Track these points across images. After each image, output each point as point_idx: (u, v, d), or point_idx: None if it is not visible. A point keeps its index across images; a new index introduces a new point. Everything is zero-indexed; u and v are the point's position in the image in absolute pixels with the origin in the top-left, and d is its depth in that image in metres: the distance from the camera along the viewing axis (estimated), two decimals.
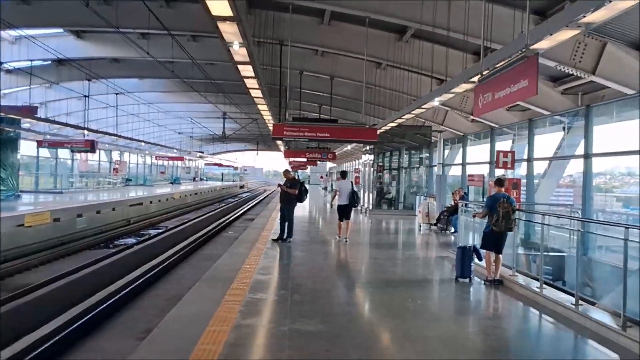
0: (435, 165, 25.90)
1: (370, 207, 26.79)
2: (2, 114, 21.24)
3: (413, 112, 16.22)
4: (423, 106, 14.79)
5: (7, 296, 11.57)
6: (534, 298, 8.89)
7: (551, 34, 6.84)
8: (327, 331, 6.71)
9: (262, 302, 8.03)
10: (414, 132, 24.96)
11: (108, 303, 11.36)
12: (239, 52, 10.47)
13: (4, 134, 23.80)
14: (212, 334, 6.29)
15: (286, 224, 14.74)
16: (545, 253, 9.95)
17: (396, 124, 19.74)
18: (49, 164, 38.07)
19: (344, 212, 15.40)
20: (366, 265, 12.51)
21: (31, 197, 27.40)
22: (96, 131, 30.17)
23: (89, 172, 42.02)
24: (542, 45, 7.18)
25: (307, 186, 15.81)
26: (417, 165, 28.66)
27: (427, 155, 27.47)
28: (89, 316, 10.33)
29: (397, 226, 21.58)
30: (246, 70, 12.55)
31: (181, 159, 59.78)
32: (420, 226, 19.73)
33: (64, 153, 37.55)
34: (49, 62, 24.77)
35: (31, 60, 23.05)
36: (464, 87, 11.15)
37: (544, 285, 9.04)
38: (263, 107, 20.64)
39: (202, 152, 66.92)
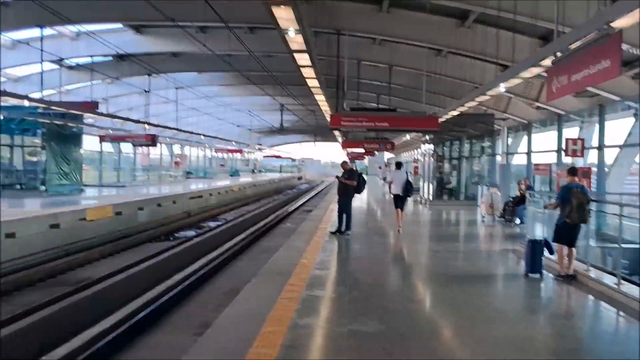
0: (498, 154, 25.01)
1: (431, 197, 26.14)
2: (64, 109, 21.63)
3: (476, 99, 15.54)
4: (487, 93, 14.11)
5: (68, 290, 11.68)
6: (612, 295, 8.22)
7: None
8: (387, 331, 6.33)
9: (320, 300, 7.69)
10: (476, 121, 24.13)
11: (166, 297, 11.31)
12: (295, 39, 10.14)
13: (67, 129, 24.32)
14: (268, 335, 6.00)
15: (344, 216, 14.39)
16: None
17: (458, 113, 19.05)
18: (112, 158, 38.97)
19: (397, 201, 15.55)
20: (427, 259, 12.03)
21: (95, 191, 27.98)
22: (157, 125, 30.53)
23: (150, 166, 42.77)
24: (624, 22, 6.51)
25: (365, 177, 15.47)
26: (479, 155, 27.77)
27: (489, 144, 26.56)
28: (147, 310, 10.28)
29: (459, 217, 20.92)
30: (302, 59, 12.22)
31: (240, 151, 60.26)
32: (483, 217, 19.03)
33: (126, 147, 38.32)
34: (110, 57, 25.12)
35: (92, 56, 23.41)
36: (533, 71, 10.45)
37: (622, 281, 8.36)
38: (320, 97, 20.32)
39: (261, 145, 67.28)
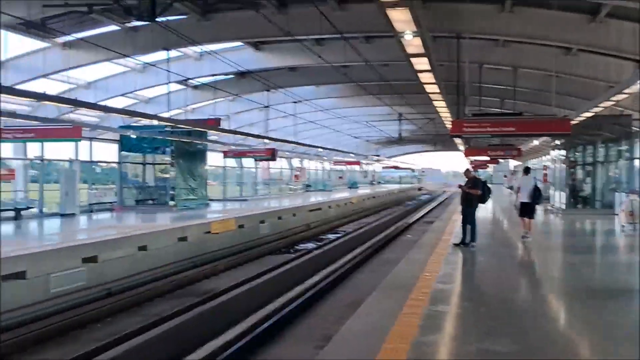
0: (637, 159, 23.04)
1: (563, 206, 24.56)
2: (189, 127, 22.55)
3: (612, 98, 14.33)
4: (624, 91, 12.94)
5: (195, 301, 11.92)
6: None
7: None
8: (520, 352, 5.77)
9: (444, 316, 7.22)
10: (612, 122, 22.37)
11: (288, 309, 11.26)
12: (412, 42, 9.77)
13: (193, 146, 25.31)
14: (390, 351, 5.65)
15: (468, 226, 13.70)
16: None
17: (591, 114, 17.70)
18: (234, 173, 40.26)
19: (525, 209, 14.68)
20: (561, 272, 11.13)
21: (219, 205, 28.89)
22: (276, 139, 31.15)
23: (271, 180, 43.60)
24: None
25: (489, 186, 14.71)
26: (615, 159, 25.73)
27: (627, 147, 24.53)
28: (269, 322, 10.26)
29: (595, 227, 19.42)
30: (420, 63, 11.80)
31: (358, 163, 60.25)
32: (623, 227, 17.50)
33: (248, 162, 39.40)
34: (231, 75, 25.92)
35: (214, 75, 24.25)
36: None
37: None
38: (440, 104, 19.73)
39: (379, 155, 66.97)
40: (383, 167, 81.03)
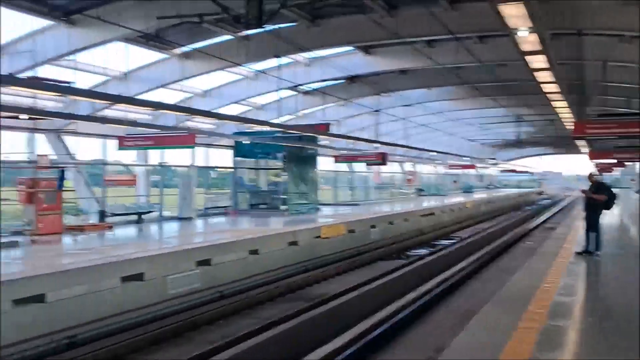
0: None
1: None
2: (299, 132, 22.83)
3: None
4: None
5: (305, 306, 11.93)
6: None
7: None
8: None
9: (564, 332, 6.69)
10: None
11: (400, 316, 11.00)
12: (527, 39, 9.20)
13: (304, 151, 25.58)
14: None
15: (592, 234, 12.79)
16: None
17: None
18: (345, 177, 40.36)
19: None
20: None
21: (330, 209, 29.00)
22: (387, 144, 30.86)
23: (382, 184, 43.36)
24: None
25: (615, 191, 13.64)
26: None
27: None
28: (380, 329, 10.06)
29: None
30: (537, 61, 11.15)
31: (473, 167, 58.66)
32: None
33: (359, 166, 39.38)
34: (341, 80, 25.99)
35: (324, 80, 24.40)
36: None
37: None
38: (560, 104, 18.68)
39: (495, 159, 64.84)
40: (500, 171, 78.49)
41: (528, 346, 6.01)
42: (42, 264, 11.02)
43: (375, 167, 39.39)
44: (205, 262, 13.15)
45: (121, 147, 15.70)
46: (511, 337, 6.32)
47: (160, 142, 15.54)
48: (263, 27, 12.02)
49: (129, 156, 22.22)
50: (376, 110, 29.38)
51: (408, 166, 51.29)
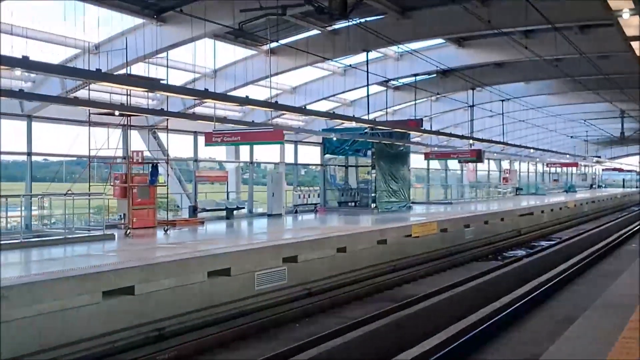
0: None
1: None
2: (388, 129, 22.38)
3: None
4: None
5: (392, 306, 11.54)
6: None
7: None
8: None
9: None
10: None
11: (492, 320, 10.37)
12: (631, 22, 8.28)
13: (394, 148, 25.11)
14: None
15: None
16: None
17: None
18: (438, 175, 39.55)
19: None
20: None
21: (422, 208, 28.45)
22: (482, 140, 29.79)
23: (477, 182, 42.36)
24: None
25: None
26: None
27: None
28: (470, 334, 9.50)
29: None
30: None
31: (575, 165, 55.96)
32: None
33: (452, 164, 38.47)
34: (433, 75, 25.30)
35: (415, 75, 23.81)
36: None
37: None
38: None
39: (599, 157, 61.50)
40: (604, 169, 74.60)
41: (632, 358, 5.32)
42: (133, 257, 11.24)
43: (470, 165, 38.43)
44: (292, 259, 13.03)
45: (208, 143, 15.86)
46: (613, 347, 5.63)
47: (247, 138, 15.57)
48: (348, 19, 11.68)
49: (220, 153, 22.60)
50: (470, 106, 28.37)
51: (505, 164, 49.59)
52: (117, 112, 13.90)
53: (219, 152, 22.42)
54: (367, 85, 20.37)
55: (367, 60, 19.70)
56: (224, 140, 15.44)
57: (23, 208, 14.14)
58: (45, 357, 8.02)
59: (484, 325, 9.99)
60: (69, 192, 13.76)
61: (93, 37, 15.11)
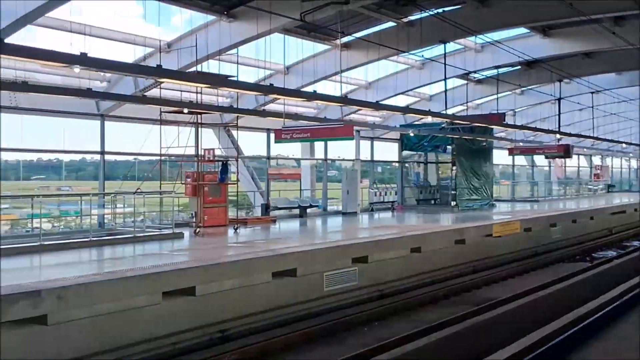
0: None
1: None
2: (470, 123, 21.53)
3: None
4: None
5: (469, 310, 11.00)
6: None
7: None
8: None
9: None
10: None
11: (577, 328, 9.56)
12: None
13: (476, 144, 24.19)
14: None
15: None
16: None
17: None
18: (524, 172, 38.07)
19: None
20: None
21: (506, 205, 27.38)
22: (570, 135, 28.18)
23: (566, 179, 40.54)
24: None
25: None
26: None
27: None
28: (551, 343, 8.76)
29: None
30: None
31: None
32: None
33: (540, 160, 36.88)
34: (517, 67, 24.16)
35: (497, 67, 22.77)
36: None
37: None
38: None
39: None
40: None
41: None
42: (195, 257, 11.15)
43: (558, 161, 36.76)
44: (362, 259, 12.60)
45: (278, 139, 15.70)
46: None
47: (317, 135, 15.22)
48: (420, 8, 11.06)
49: (296, 150, 22.48)
50: (558, 99, 26.87)
51: (596, 159, 47.10)
52: (185, 110, 13.88)
53: (295, 150, 22.31)
54: (445, 78, 19.64)
55: (445, 52, 18.93)
56: (293, 137, 15.21)
57: (96, 206, 14.43)
58: (107, 358, 7.97)
59: (567, 333, 9.21)
60: (138, 190, 13.88)
61: (165, 35, 15.30)
